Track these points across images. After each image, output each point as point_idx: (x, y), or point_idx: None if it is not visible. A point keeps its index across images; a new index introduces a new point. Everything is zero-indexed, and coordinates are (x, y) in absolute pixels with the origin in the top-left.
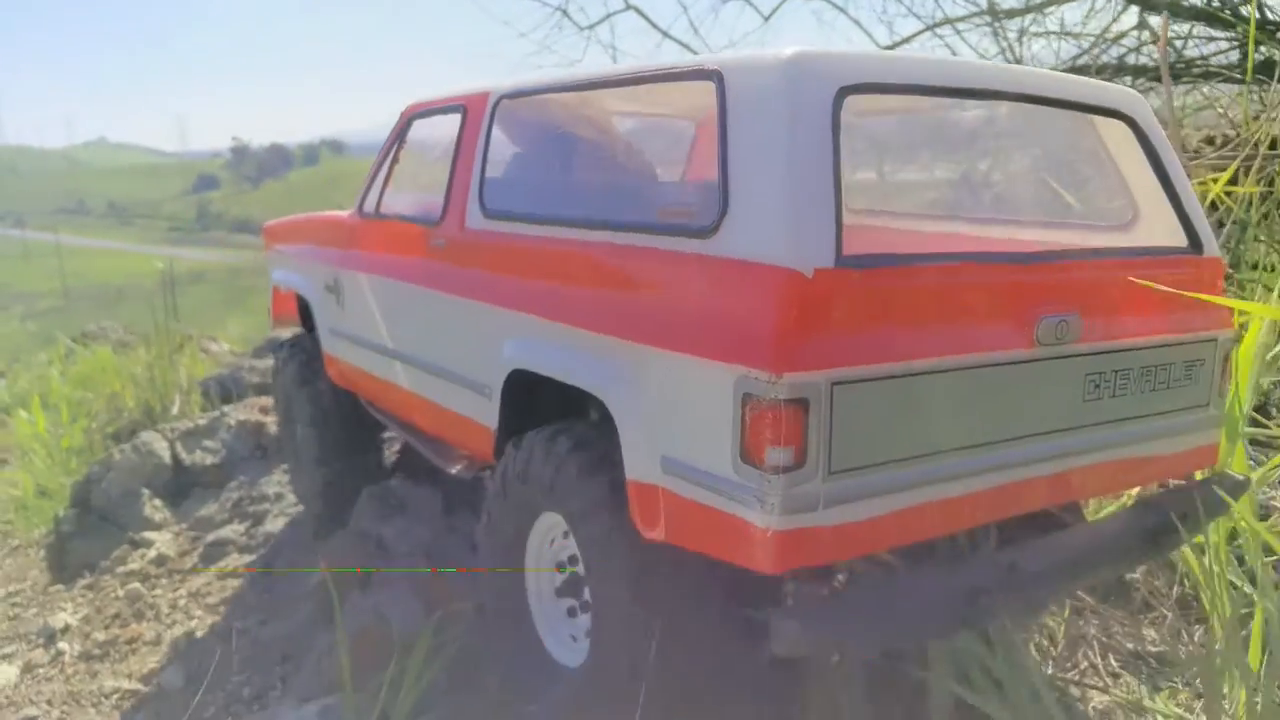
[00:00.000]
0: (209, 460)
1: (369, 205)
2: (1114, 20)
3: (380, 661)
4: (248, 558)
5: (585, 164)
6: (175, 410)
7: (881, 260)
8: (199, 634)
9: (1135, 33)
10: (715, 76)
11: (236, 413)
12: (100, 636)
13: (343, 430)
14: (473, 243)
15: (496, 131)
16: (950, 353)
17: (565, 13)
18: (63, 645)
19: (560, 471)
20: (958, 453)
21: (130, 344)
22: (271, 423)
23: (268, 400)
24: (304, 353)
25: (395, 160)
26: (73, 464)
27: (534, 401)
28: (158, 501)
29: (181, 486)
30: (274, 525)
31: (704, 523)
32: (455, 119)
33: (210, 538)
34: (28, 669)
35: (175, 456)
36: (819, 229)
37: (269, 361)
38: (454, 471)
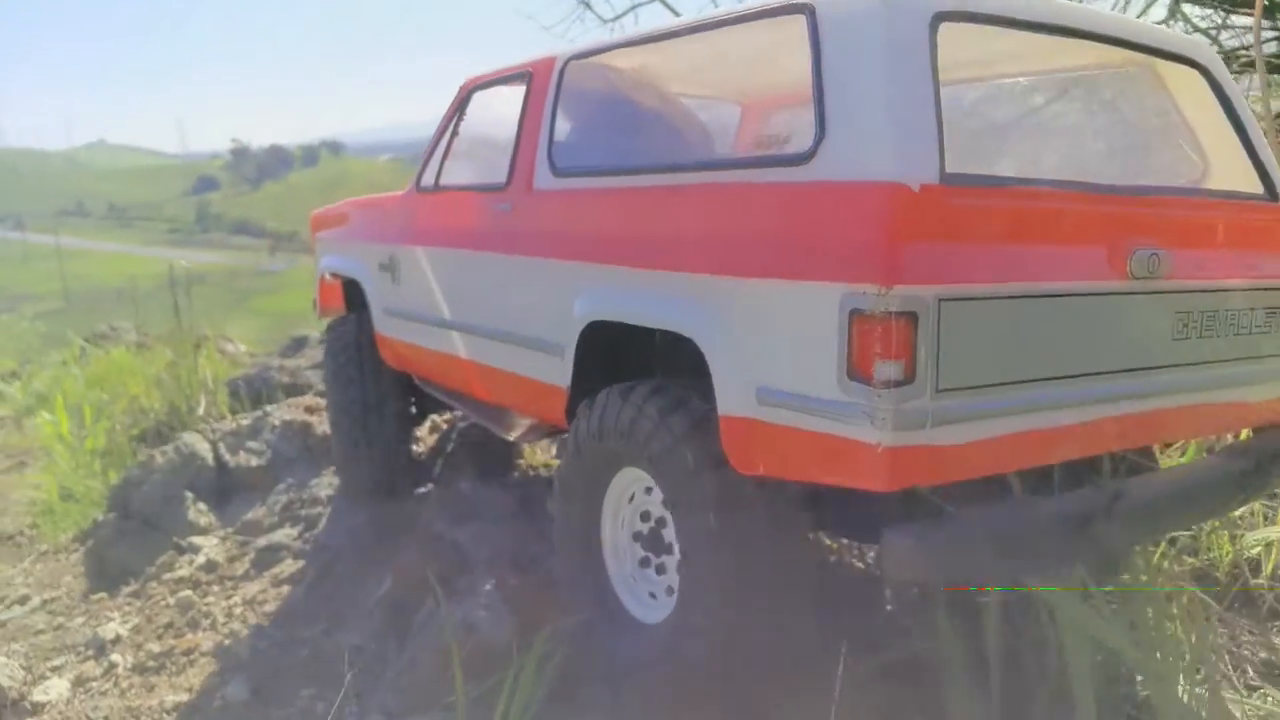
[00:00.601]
0: (254, 462)
1: (427, 179)
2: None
3: (472, 676)
4: (303, 564)
5: (662, 113)
6: (201, 411)
7: (984, 180)
8: (260, 645)
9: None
10: (806, 10)
11: (280, 412)
12: (154, 648)
13: (392, 412)
14: (542, 203)
15: (565, 94)
16: (1048, 278)
17: (588, 4)
18: (115, 657)
19: (643, 421)
20: (1056, 382)
21: (144, 345)
22: (318, 423)
23: (312, 400)
24: (353, 335)
25: (455, 133)
26: (96, 466)
27: (608, 357)
28: (201, 505)
29: (225, 489)
30: (328, 529)
31: (806, 449)
32: (516, 88)
33: (261, 543)
34: (79, 683)
35: (218, 458)
36: (923, 146)
37: (298, 361)
38: (516, 438)
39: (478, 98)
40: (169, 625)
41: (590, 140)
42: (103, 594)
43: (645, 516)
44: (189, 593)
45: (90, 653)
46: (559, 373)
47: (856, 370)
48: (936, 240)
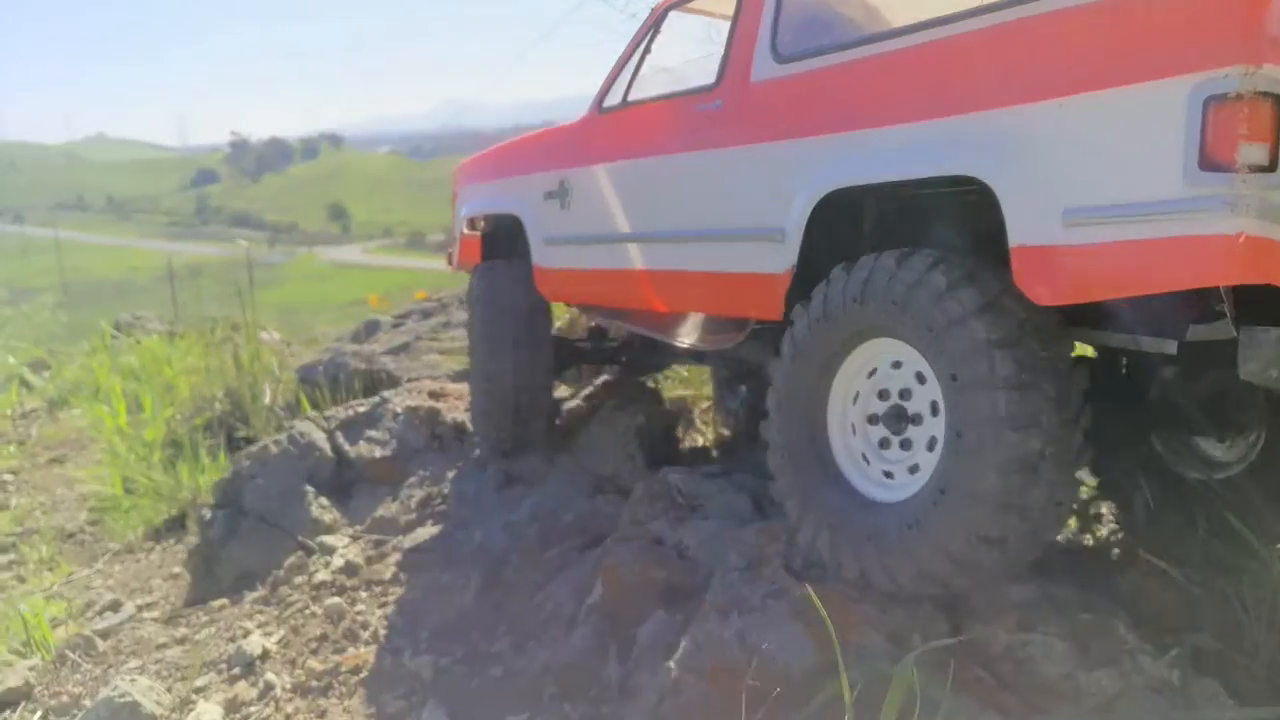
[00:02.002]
0: (377, 452)
1: (612, 99)
2: None
3: (756, 705)
4: (460, 567)
5: None
6: (267, 400)
7: None
8: (441, 662)
9: None
10: None
11: (400, 398)
12: (315, 664)
13: (543, 359)
14: (762, 92)
15: None
16: None
17: None
18: (269, 676)
19: (919, 287)
20: None
21: (175, 333)
22: (446, 409)
23: (437, 384)
24: (502, 274)
25: (647, 52)
26: (156, 457)
27: (832, 238)
28: (323, 500)
29: (345, 483)
30: (483, 527)
31: (1131, 259)
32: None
33: (405, 543)
34: (234, 708)
35: (336, 449)
36: None
37: (372, 346)
38: (690, 345)
39: (672, 17)
40: (322, 638)
41: (826, 20)
42: (223, 600)
43: (884, 395)
44: (337, 600)
45: (236, 670)
46: (777, 259)
47: (1213, 159)
48: None
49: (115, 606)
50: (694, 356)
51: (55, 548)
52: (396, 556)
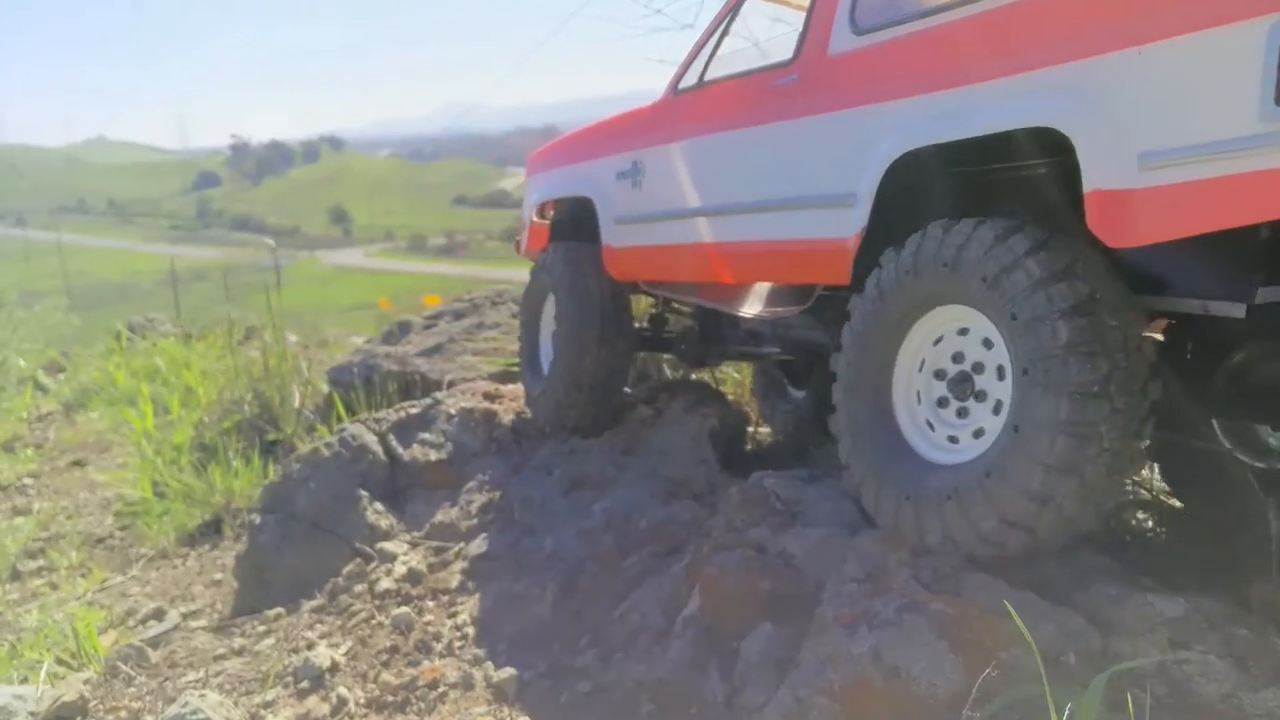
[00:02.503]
0: (431, 456)
1: (688, 80)
2: None
3: None
4: (534, 575)
5: None
6: (297, 403)
7: None
8: (525, 676)
9: None
10: None
11: (453, 400)
12: (389, 678)
13: (616, 328)
14: (839, 63)
15: None
16: None
17: None
18: (341, 691)
19: (994, 252)
20: None
21: (191, 336)
22: (503, 411)
23: (492, 386)
24: (576, 255)
25: (725, 34)
26: (184, 461)
27: (899, 206)
28: (378, 505)
29: (399, 488)
30: (553, 533)
31: (1205, 197)
32: None
33: (471, 550)
34: None
35: (389, 452)
36: None
37: (405, 347)
38: (754, 315)
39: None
40: (393, 650)
41: None
42: (278, 609)
43: (959, 358)
44: (404, 609)
45: (305, 684)
46: (847, 223)
47: None
48: None
49: (159, 615)
50: (750, 343)
51: (85, 553)
52: (462, 564)
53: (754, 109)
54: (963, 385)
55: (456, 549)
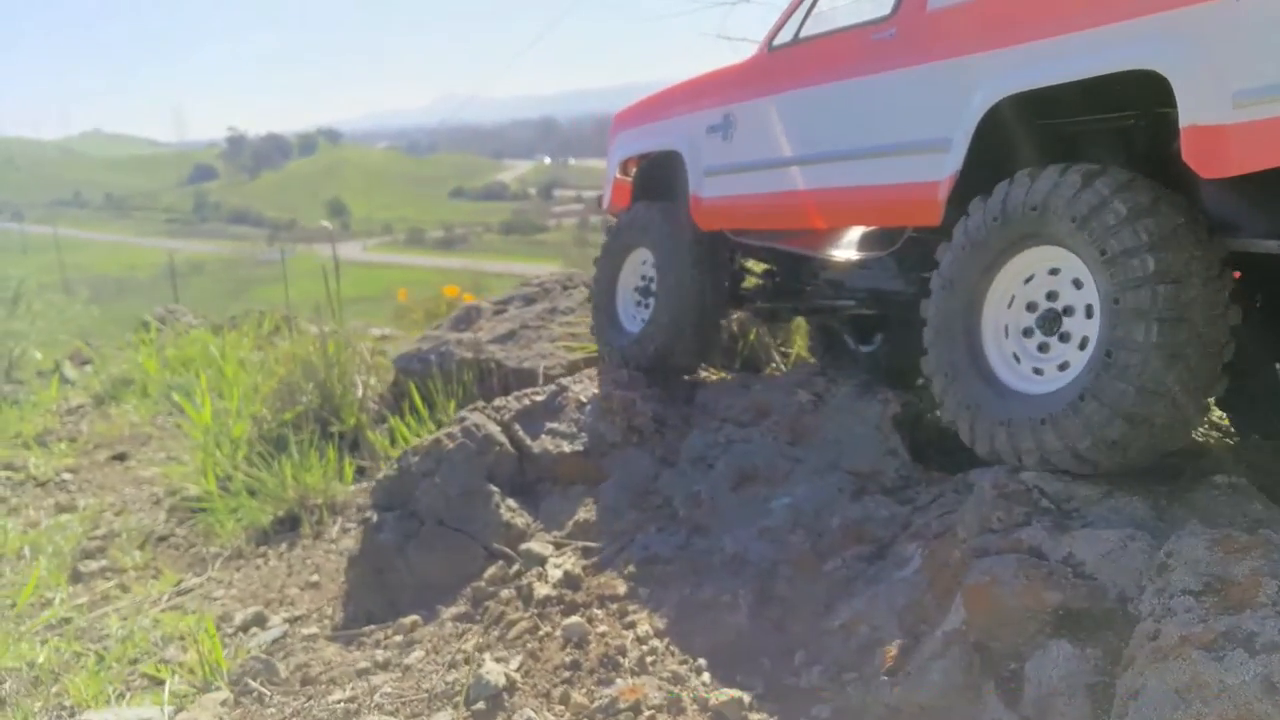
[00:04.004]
0: (565, 447)
1: (782, 38)
2: None
3: None
4: (714, 581)
5: None
6: (360, 393)
7: None
8: (747, 698)
9: None
10: None
11: (581, 386)
12: (580, 699)
13: (713, 271)
14: (940, 17)
15: None
16: None
17: None
18: (528, 713)
19: (1082, 194)
20: None
21: (221, 327)
22: (642, 398)
23: (620, 371)
24: (670, 209)
25: None
26: (241, 455)
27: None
28: (511, 501)
29: (529, 482)
30: (731, 532)
31: None
32: None
33: (634, 553)
34: None
35: (516, 443)
36: None
37: (476, 334)
38: (856, 257)
39: None
40: (573, 666)
41: None
42: (413, 617)
43: (1052, 296)
44: (575, 619)
45: (481, 705)
46: (941, 167)
47: None
48: None
49: (260, 621)
50: (829, 295)
51: (149, 552)
52: (624, 567)
53: (853, 62)
54: (1052, 322)
55: (613, 550)
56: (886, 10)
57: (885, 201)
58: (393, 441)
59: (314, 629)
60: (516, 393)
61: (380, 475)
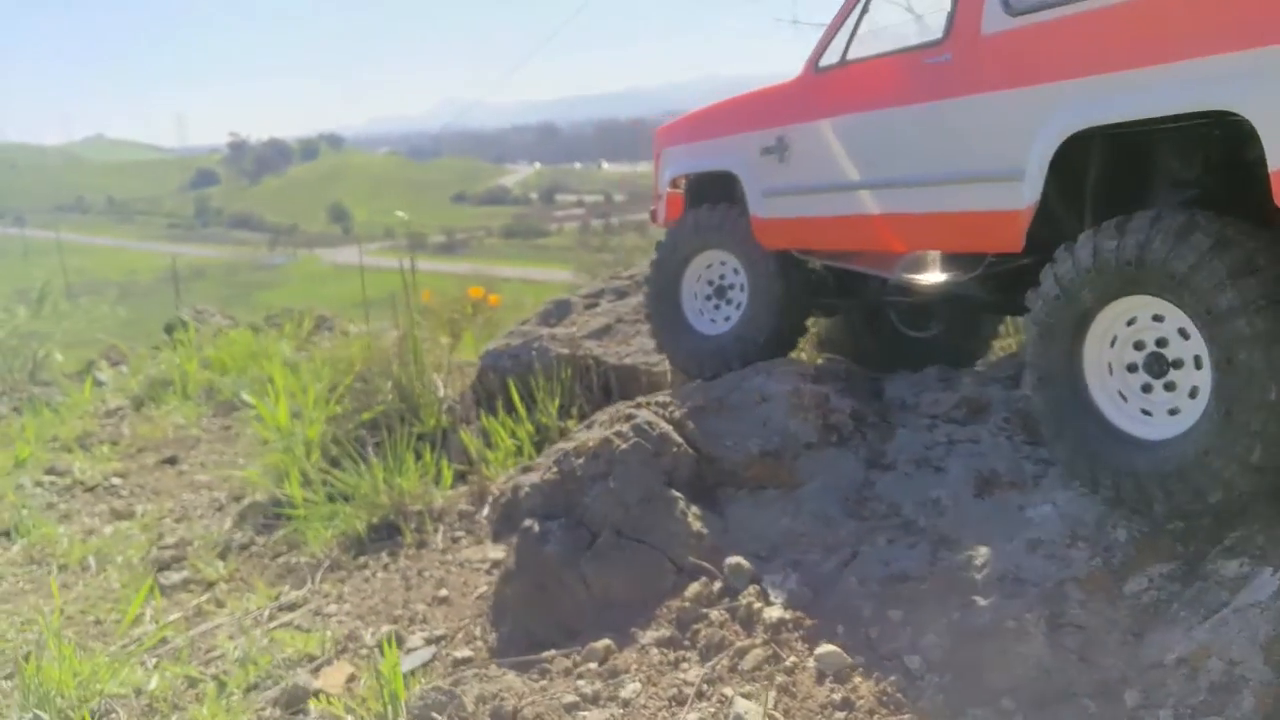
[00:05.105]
0: (752, 448)
1: (828, 59)
2: None
3: None
4: (990, 602)
5: None
6: (442, 393)
7: None
8: None
9: None
10: None
11: (765, 380)
12: None
13: (800, 269)
14: (996, 43)
15: None
16: None
17: None
18: None
19: (1178, 250)
20: None
21: (258, 328)
22: (836, 394)
23: (805, 364)
24: (737, 214)
25: (865, 13)
26: (314, 458)
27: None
28: (695, 509)
29: (709, 486)
30: (986, 549)
31: None
32: None
33: (864, 567)
34: None
35: (693, 443)
36: None
37: (570, 329)
38: (937, 281)
39: None
40: (845, 705)
41: None
42: (605, 641)
43: (1162, 343)
44: (831, 648)
45: None
46: (1018, 196)
47: None
48: None
49: (398, 642)
50: (894, 292)
51: (233, 563)
52: (860, 586)
53: (908, 87)
54: (1159, 365)
55: (836, 565)
56: (938, 34)
57: (964, 228)
58: (488, 443)
59: (467, 652)
60: (682, 387)
61: (539, 478)
